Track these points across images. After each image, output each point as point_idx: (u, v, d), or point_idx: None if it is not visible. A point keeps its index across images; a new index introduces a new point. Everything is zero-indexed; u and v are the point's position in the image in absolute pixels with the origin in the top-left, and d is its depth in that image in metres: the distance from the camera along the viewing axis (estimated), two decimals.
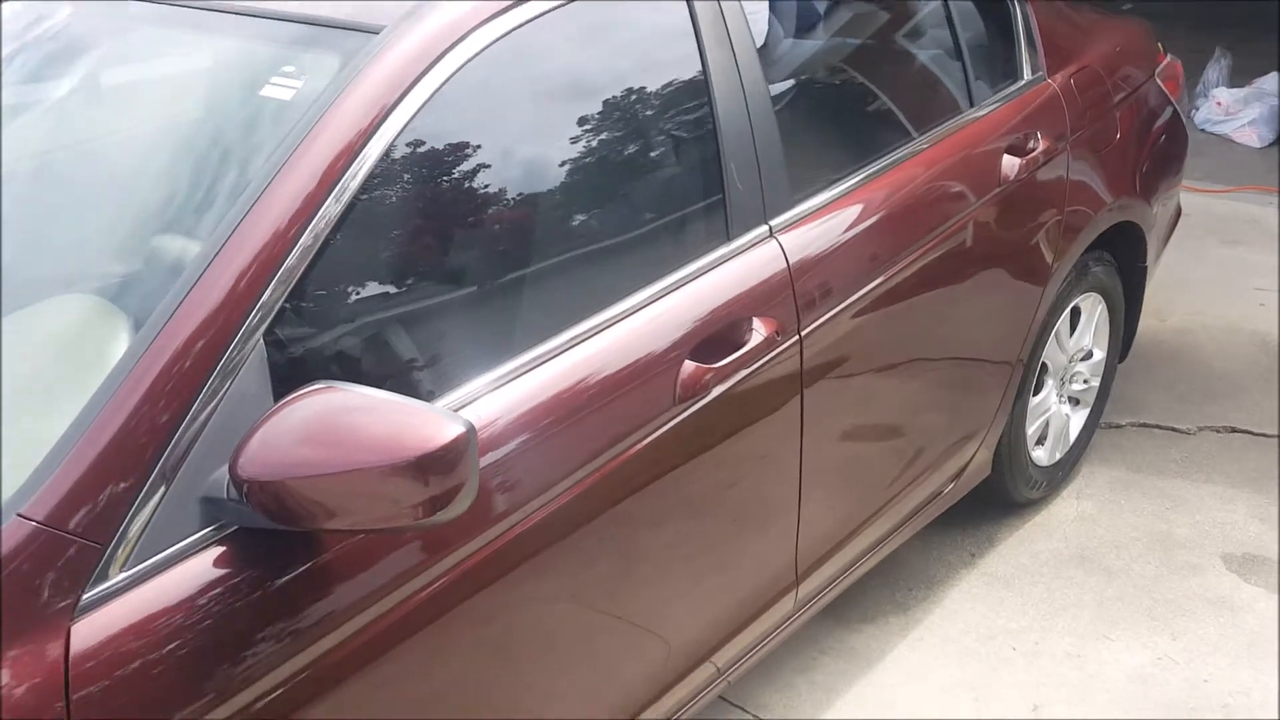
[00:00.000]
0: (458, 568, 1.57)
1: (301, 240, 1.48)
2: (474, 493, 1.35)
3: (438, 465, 1.30)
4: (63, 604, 1.27)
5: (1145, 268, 3.12)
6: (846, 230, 2.15)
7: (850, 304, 2.13)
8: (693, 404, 1.86)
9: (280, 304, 1.46)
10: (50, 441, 1.35)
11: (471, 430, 1.33)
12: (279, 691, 1.40)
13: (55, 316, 1.61)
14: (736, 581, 2.11)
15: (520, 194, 1.80)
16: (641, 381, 1.80)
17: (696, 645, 2.06)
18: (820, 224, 2.11)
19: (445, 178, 1.71)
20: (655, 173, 1.99)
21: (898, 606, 2.73)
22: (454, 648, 1.62)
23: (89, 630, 1.27)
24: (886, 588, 2.77)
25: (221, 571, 1.36)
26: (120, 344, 1.46)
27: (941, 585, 2.80)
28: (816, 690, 2.51)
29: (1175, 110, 3.18)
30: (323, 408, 1.34)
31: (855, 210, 2.18)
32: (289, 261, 1.46)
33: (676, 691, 2.04)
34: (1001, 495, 2.91)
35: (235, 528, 1.39)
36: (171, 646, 1.31)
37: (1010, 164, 2.49)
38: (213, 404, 1.39)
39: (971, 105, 2.55)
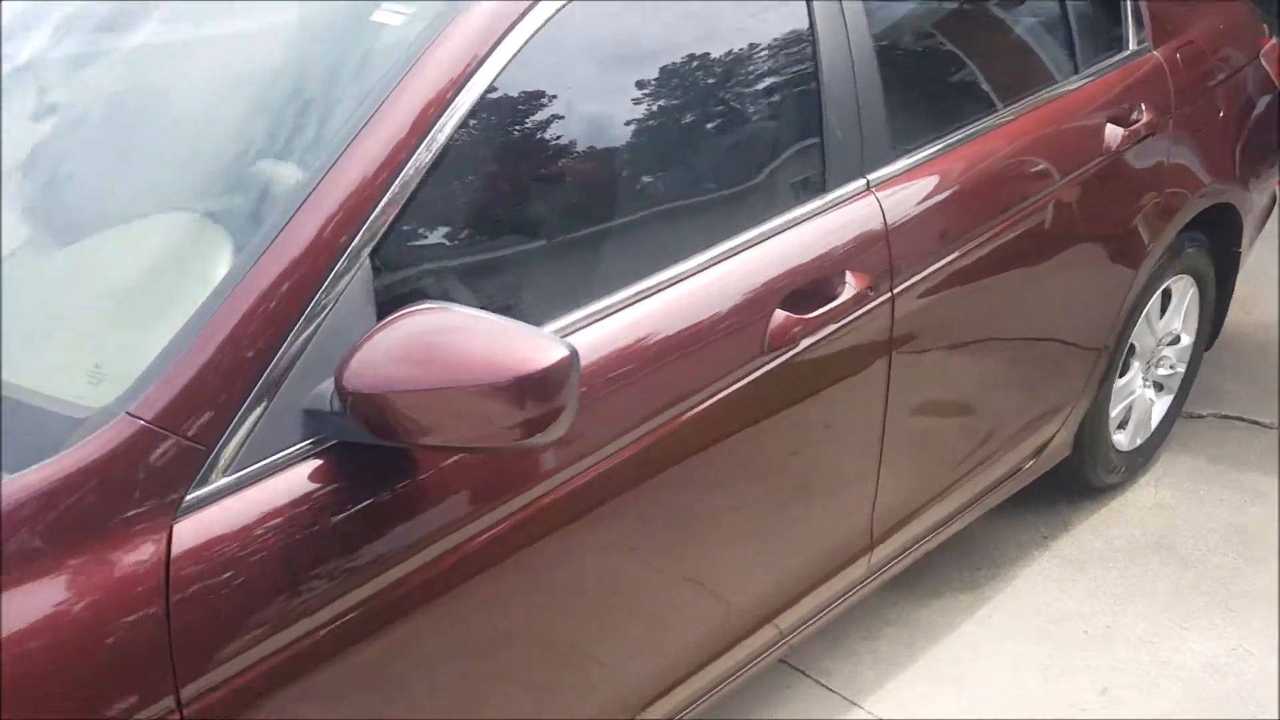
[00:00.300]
0: (537, 503, 1.56)
1: (403, 172, 1.47)
2: (572, 418, 1.34)
3: (538, 388, 1.29)
4: (166, 502, 1.28)
5: (1239, 253, 3.03)
6: (945, 191, 2.11)
7: (944, 267, 2.09)
8: (780, 355, 1.83)
9: (384, 231, 1.45)
10: (156, 348, 1.35)
11: (574, 355, 1.32)
12: (357, 612, 1.40)
13: (160, 232, 1.61)
14: (808, 542, 2.09)
15: (617, 140, 1.77)
16: (731, 329, 1.78)
17: (761, 606, 2.04)
18: (919, 182, 2.07)
19: (547, 117, 1.68)
20: (754, 121, 1.95)
21: (966, 584, 2.69)
22: (524, 586, 1.61)
23: (190, 531, 1.28)
24: (955, 564, 2.72)
25: (320, 482, 1.37)
26: (222, 261, 1.47)
27: (1012, 565, 2.75)
28: (881, 661, 2.48)
29: (1278, 94, 3.08)
30: (428, 326, 1.33)
31: (955, 171, 2.14)
32: (391, 191, 1.46)
33: (736, 652, 2.02)
34: (1078, 478, 2.86)
35: (335, 441, 1.39)
36: (269, 553, 1.32)
37: (1113, 134, 2.42)
38: (317, 320, 1.39)
39: (1076, 72, 2.48)
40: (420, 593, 1.46)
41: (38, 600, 1.20)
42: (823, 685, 2.42)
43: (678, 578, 1.87)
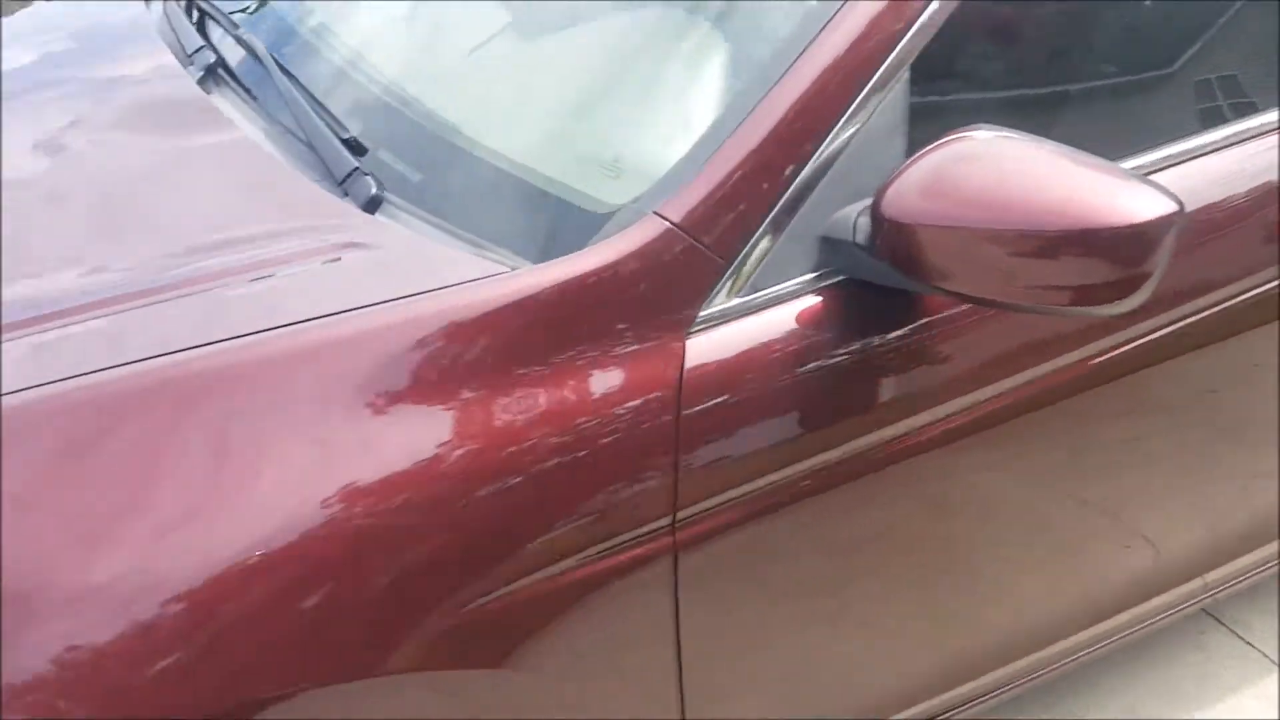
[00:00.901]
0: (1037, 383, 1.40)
1: None
2: (1151, 290, 1.14)
3: (1124, 245, 1.10)
4: (683, 314, 1.20)
5: None
6: None
7: None
8: None
9: (924, 47, 1.29)
10: (674, 150, 1.27)
11: (1181, 211, 1.11)
12: (831, 467, 1.29)
13: (655, 30, 1.49)
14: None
15: None
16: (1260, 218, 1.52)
17: (1198, 551, 1.82)
18: None
19: None
20: None
21: None
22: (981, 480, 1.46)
23: (701, 348, 1.20)
24: None
25: (827, 319, 1.26)
26: (720, 63, 1.36)
27: None
28: None
29: None
30: (982, 154, 1.16)
31: None
32: (931, 8, 1.29)
33: (1162, 597, 1.82)
34: None
35: (842, 277, 1.27)
36: (771, 386, 1.22)
37: None
38: (844, 141, 1.25)
39: None
40: (900, 455, 1.33)
41: (556, 391, 1.14)
42: (1238, 637, 2.17)
43: (1121, 511, 1.66)
